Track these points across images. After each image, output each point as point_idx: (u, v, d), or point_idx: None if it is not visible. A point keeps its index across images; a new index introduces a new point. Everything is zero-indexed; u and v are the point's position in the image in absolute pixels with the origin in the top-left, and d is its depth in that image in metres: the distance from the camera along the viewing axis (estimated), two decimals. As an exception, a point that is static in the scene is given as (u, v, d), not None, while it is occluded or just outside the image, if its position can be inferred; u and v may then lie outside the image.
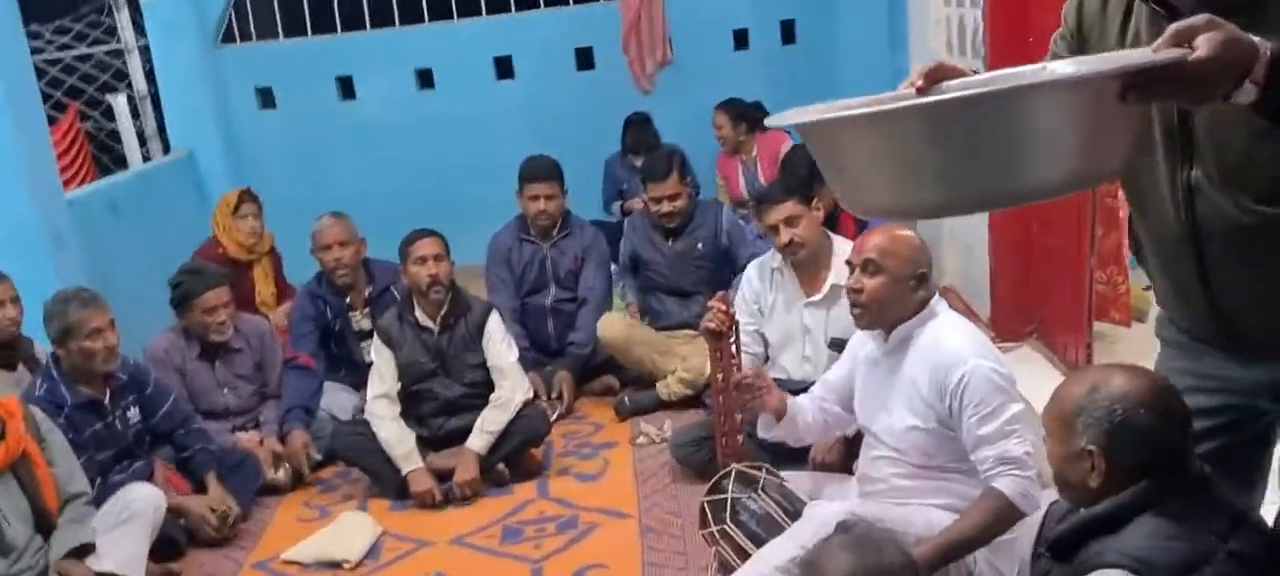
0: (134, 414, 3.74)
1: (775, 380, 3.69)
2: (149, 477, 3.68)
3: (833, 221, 3.86)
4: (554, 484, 3.90)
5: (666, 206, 4.48)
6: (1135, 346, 3.59)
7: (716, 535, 3.00)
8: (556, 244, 4.71)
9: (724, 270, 4.52)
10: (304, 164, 6.66)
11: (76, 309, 3.51)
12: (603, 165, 6.30)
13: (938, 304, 2.77)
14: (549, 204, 4.64)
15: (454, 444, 3.94)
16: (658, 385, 4.42)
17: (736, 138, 5.90)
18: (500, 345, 3.97)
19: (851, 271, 2.79)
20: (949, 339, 2.70)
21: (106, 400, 3.64)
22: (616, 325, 4.44)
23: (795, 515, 2.87)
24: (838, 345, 3.63)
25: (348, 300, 4.50)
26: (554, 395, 4.50)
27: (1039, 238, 3.76)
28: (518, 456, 3.94)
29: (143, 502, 3.33)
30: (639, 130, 6.05)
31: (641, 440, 4.12)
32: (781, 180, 3.82)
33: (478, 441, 3.84)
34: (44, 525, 3.13)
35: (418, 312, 3.96)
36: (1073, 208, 3.45)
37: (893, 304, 2.74)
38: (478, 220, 4.98)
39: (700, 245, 4.55)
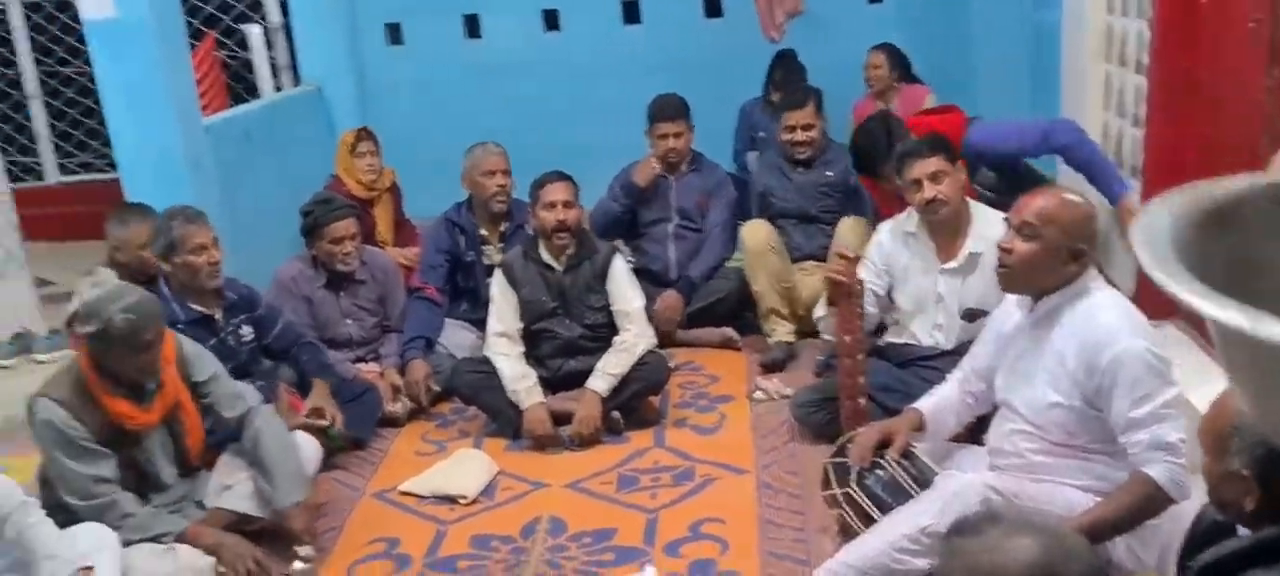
0: (247, 332, 3.81)
1: (904, 345, 3.62)
2: (270, 399, 3.76)
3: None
4: (671, 434, 3.86)
5: (800, 136, 4.55)
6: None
7: (840, 498, 2.93)
8: (682, 178, 4.69)
9: (849, 209, 4.50)
10: (428, 101, 6.71)
11: (180, 225, 3.58)
12: (736, 112, 6.20)
13: (1092, 278, 2.63)
14: (677, 141, 4.63)
15: (572, 386, 3.94)
16: (766, 328, 4.41)
17: (889, 81, 5.73)
18: (626, 288, 3.95)
19: (1007, 228, 2.66)
20: (1102, 315, 2.56)
21: (218, 316, 3.71)
22: (760, 232, 4.36)
23: (924, 483, 2.79)
24: (971, 315, 3.51)
25: (483, 232, 4.50)
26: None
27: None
28: (635, 404, 3.90)
29: (309, 451, 3.44)
30: (788, 66, 5.90)
31: (758, 396, 4.05)
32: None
33: (600, 383, 3.81)
34: (186, 468, 3.22)
35: (542, 251, 3.95)
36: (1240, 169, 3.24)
37: (1040, 273, 2.61)
38: (598, 165, 4.93)
39: (829, 173, 4.57)
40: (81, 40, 7.10)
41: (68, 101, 7.47)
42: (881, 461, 2.89)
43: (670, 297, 4.54)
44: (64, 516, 2.88)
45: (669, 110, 4.65)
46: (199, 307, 3.64)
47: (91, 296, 2.92)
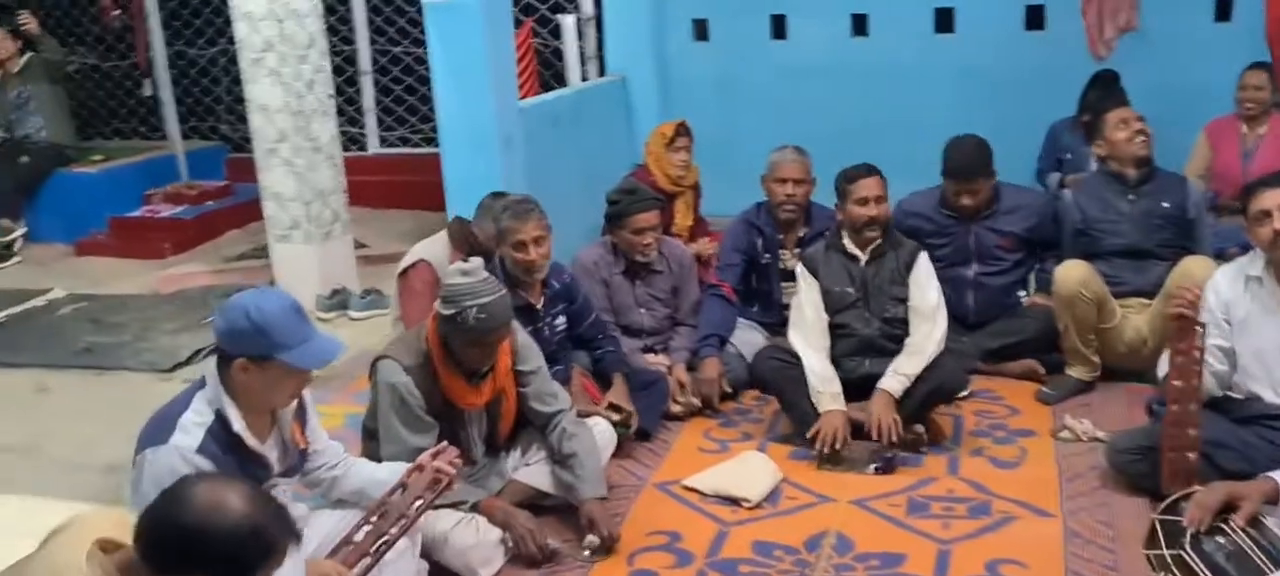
0: (561, 321, 3.90)
1: (1245, 400, 3.24)
2: (566, 383, 3.84)
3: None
4: (966, 463, 3.64)
5: (1138, 140, 4.17)
6: None
7: (1169, 559, 2.65)
8: (982, 222, 4.36)
9: (1184, 244, 4.10)
10: (729, 100, 6.71)
11: (509, 218, 3.69)
12: (1046, 131, 5.86)
13: None
14: (986, 186, 4.30)
15: (865, 393, 3.77)
16: (1070, 368, 4.12)
17: (1264, 105, 5.22)
18: (927, 285, 3.81)
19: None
20: None
21: (539, 306, 3.81)
22: (1073, 276, 4.01)
23: (1276, 559, 2.47)
24: (1329, 370, 3.11)
25: (781, 236, 4.43)
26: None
27: None
28: (925, 413, 3.74)
29: (605, 439, 3.51)
30: (1106, 88, 5.48)
31: (1065, 435, 3.76)
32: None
33: (893, 382, 3.69)
34: (491, 446, 3.35)
35: (846, 241, 3.88)
36: None
37: None
38: (899, 178, 4.74)
39: (1165, 204, 4.14)
40: (411, 23, 7.69)
41: (393, 78, 8.02)
42: (1224, 527, 2.59)
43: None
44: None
45: (974, 168, 4.29)
46: (523, 295, 3.75)
47: (458, 283, 3.06)
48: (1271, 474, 2.71)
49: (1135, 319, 4.07)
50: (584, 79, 6.67)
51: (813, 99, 6.43)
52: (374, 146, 8.23)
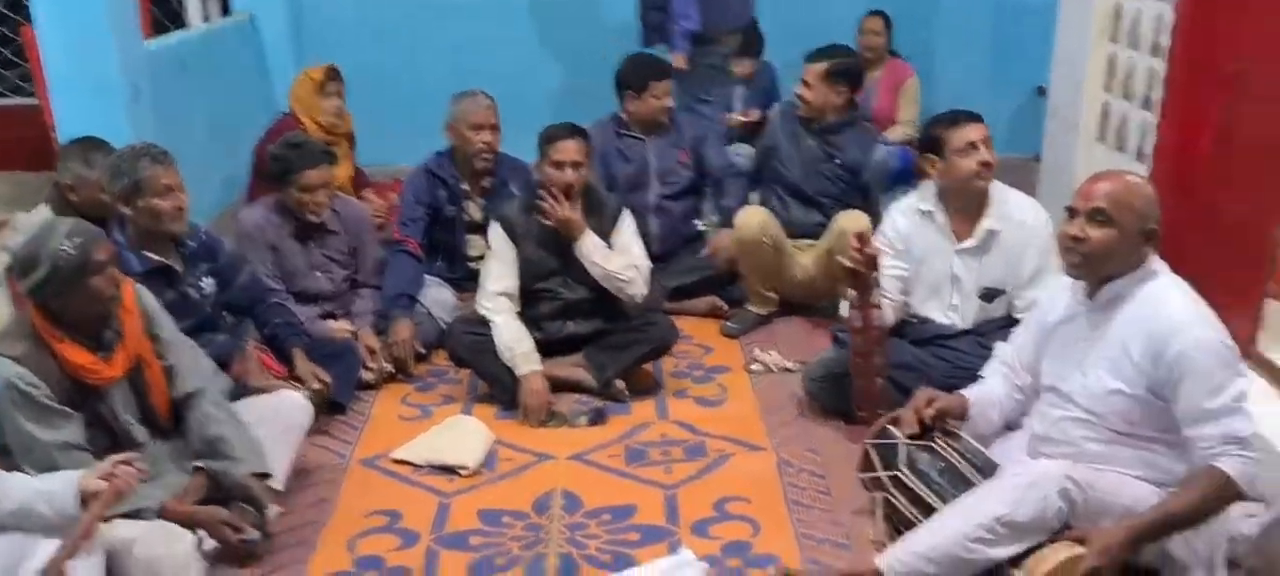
0: (208, 283, 3.48)
1: (920, 323, 3.53)
2: (234, 354, 3.46)
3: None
4: (673, 405, 3.70)
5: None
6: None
7: (886, 481, 2.81)
8: (657, 139, 4.48)
9: (856, 197, 4.32)
10: (373, 40, 6.28)
11: (148, 165, 3.19)
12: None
13: (1156, 264, 2.56)
14: (670, 100, 4.43)
15: (568, 351, 3.73)
16: (749, 303, 4.33)
17: (883, 51, 5.63)
18: (633, 245, 3.77)
19: (1072, 216, 2.57)
20: (1171, 302, 2.50)
21: (178, 266, 3.38)
22: (753, 221, 4.16)
23: (981, 469, 2.69)
24: (989, 295, 3.44)
25: (465, 187, 4.22)
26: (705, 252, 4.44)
27: (1208, 193, 3.55)
28: (631, 371, 3.73)
29: (303, 415, 3.16)
30: (746, 33, 5.73)
31: (756, 367, 3.93)
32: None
33: (595, 242, 3.67)
34: (154, 427, 2.89)
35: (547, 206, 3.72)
36: (1265, 167, 3.24)
37: (1115, 259, 2.53)
38: (567, 113, 4.68)
39: (839, 161, 4.33)
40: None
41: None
42: (933, 445, 2.78)
43: (719, 237, 4.35)
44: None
45: (666, 71, 4.45)
46: (157, 257, 3.27)
47: (27, 241, 2.60)
48: (963, 392, 2.95)
49: (803, 259, 4.28)
50: (206, 21, 6.01)
51: (461, 38, 6.20)
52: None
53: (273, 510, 2.83)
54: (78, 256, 2.58)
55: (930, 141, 3.40)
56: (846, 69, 4.29)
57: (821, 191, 4.32)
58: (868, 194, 4.35)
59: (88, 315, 2.68)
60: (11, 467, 2.66)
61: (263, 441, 2.93)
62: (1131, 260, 2.53)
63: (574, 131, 3.69)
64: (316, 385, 3.37)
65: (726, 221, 4.37)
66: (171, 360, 2.91)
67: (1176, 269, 2.60)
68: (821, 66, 4.25)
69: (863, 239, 3.24)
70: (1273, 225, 3.22)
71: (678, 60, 5.21)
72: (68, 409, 2.66)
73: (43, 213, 2.60)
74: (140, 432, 2.86)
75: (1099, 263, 2.54)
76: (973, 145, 3.31)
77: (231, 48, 5.86)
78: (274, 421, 3.05)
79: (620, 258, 3.69)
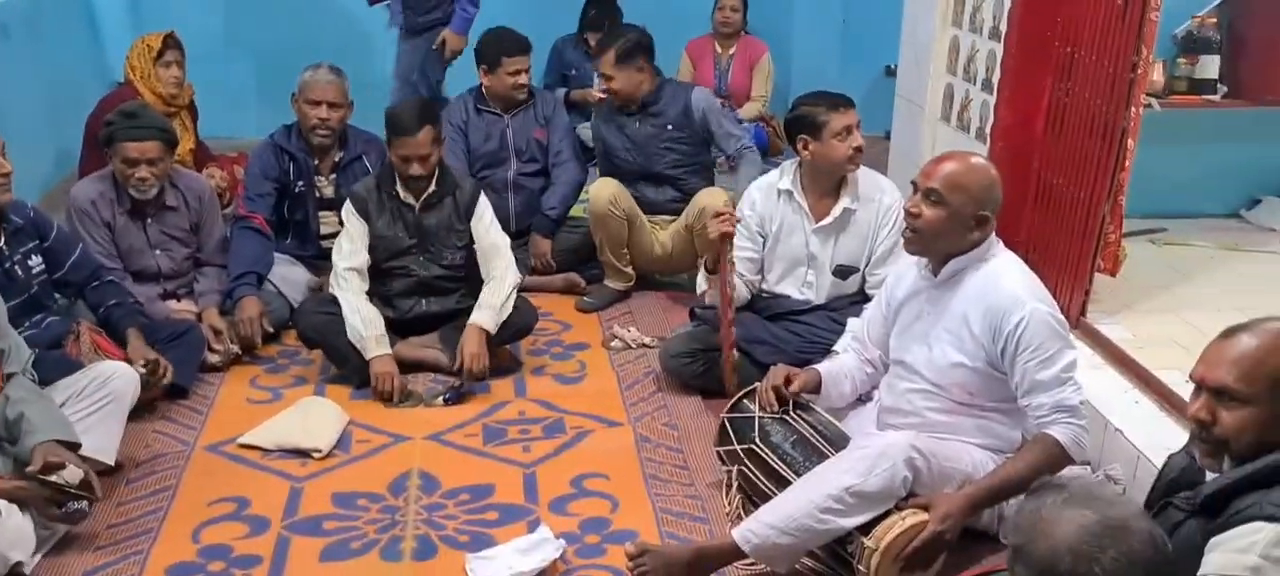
0: (36, 261, 3.31)
1: (774, 298, 3.59)
2: (67, 336, 3.30)
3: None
4: (532, 384, 3.68)
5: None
6: (1118, 298, 3.62)
7: (741, 453, 2.87)
8: (517, 115, 4.44)
9: (702, 152, 4.37)
10: (217, 3, 6.02)
11: None
12: (549, 47, 5.96)
13: (995, 244, 2.67)
14: (526, 76, 4.38)
15: (422, 330, 3.68)
16: (607, 278, 4.35)
17: (736, 27, 5.67)
18: (492, 227, 3.71)
19: (914, 190, 2.66)
20: (1006, 280, 2.61)
21: (1, 242, 3.19)
22: (604, 193, 4.17)
23: (832, 440, 2.77)
24: (843, 272, 3.53)
25: (316, 162, 4.09)
26: (531, 265, 4.38)
27: (1042, 171, 3.72)
28: (494, 350, 3.69)
29: (123, 383, 2.99)
30: (603, 7, 5.72)
31: (616, 344, 3.94)
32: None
33: (486, 318, 3.58)
34: None
35: (399, 187, 3.63)
36: (1092, 148, 3.41)
37: (946, 239, 2.62)
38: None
39: (669, 125, 4.32)
40: None
41: None
42: (786, 417, 2.85)
43: (538, 242, 4.36)
44: None
45: (520, 46, 4.41)
46: None
47: None
48: (816, 366, 3.02)
49: (661, 234, 4.32)
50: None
51: (308, 3, 6.00)
52: None
53: (72, 472, 2.65)
54: None
55: (803, 122, 3.41)
56: (635, 44, 4.31)
57: (668, 164, 4.34)
58: (709, 138, 4.39)
59: None
60: None
61: (83, 414, 2.84)
62: (965, 242, 2.62)
63: (421, 119, 3.57)
64: (142, 367, 3.21)
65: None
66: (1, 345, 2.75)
67: (1012, 243, 2.72)
68: (611, 54, 4.28)
69: (723, 213, 3.29)
70: (1100, 202, 3.39)
71: None
72: None
73: None
74: None
75: (929, 240, 2.63)
76: (848, 130, 3.37)
77: (60, 13, 5.54)
78: (94, 393, 2.93)
79: (498, 288, 3.63)
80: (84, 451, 2.74)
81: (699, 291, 3.56)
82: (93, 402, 2.90)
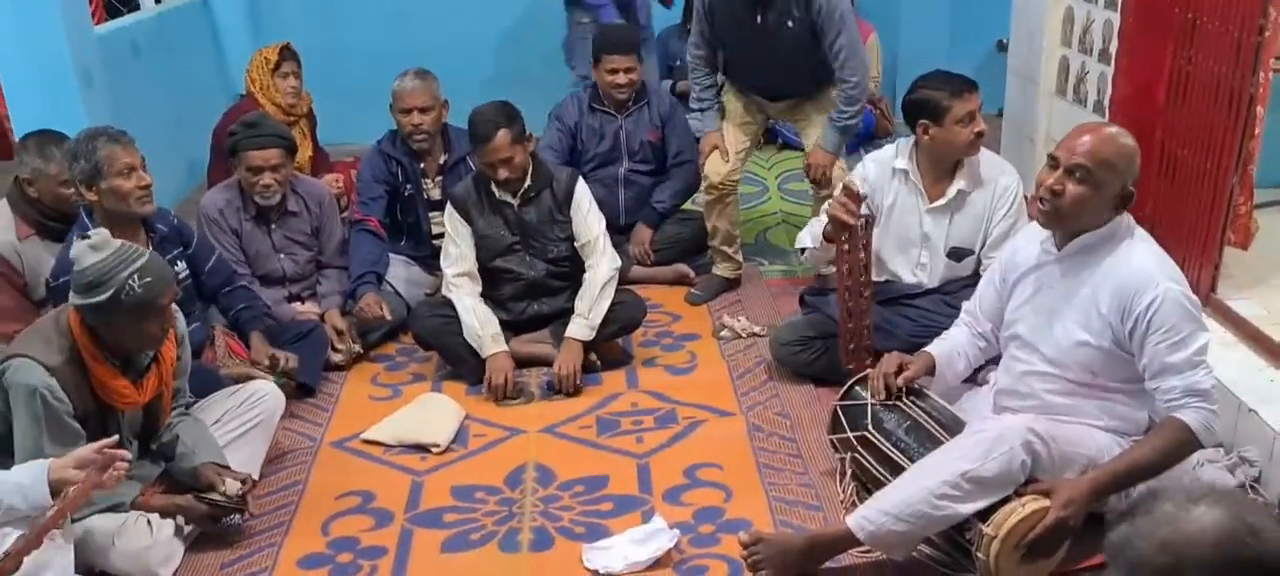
0: (181, 268, 3.45)
1: (886, 282, 3.54)
2: (206, 341, 3.45)
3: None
4: (643, 375, 3.70)
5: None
6: (1250, 272, 3.47)
7: (854, 441, 2.85)
8: (631, 115, 4.46)
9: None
10: (327, 16, 6.24)
11: (105, 144, 3.14)
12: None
13: (1126, 219, 2.57)
14: (629, 76, 4.37)
15: (537, 326, 3.73)
16: (715, 267, 4.34)
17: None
18: (589, 216, 3.72)
19: (1054, 167, 2.54)
20: (1138, 257, 2.51)
21: (149, 251, 3.34)
22: (723, 168, 4.20)
23: (947, 426, 2.72)
24: (957, 254, 3.45)
25: (422, 165, 4.19)
26: (632, 254, 4.41)
27: (1164, 143, 3.58)
28: (603, 344, 3.73)
29: (273, 403, 3.13)
30: None
31: (725, 333, 3.94)
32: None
33: (581, 330, 3.61)
34: (145, 443, 2.89)
35: (493, 187, 3.67)
36: (1218, 117, 3.27)
37: (1089, 215, 2.52)
38: (529, 93, 4.64)
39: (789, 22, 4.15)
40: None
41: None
42: (899, 404, 2.81)
43: (641, 230, 4.39)
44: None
45: (620, 43, 4.40)
46: (128, 242, 3.23)
47: (95, 261, 2.55)
48: (928, 348, 2.97)
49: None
50: (158, 2, 5.92)
51: (418, 9, 6.14)
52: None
53: (232, 485, 2.79)
54: (143, 296, 2.54)
55: (924, 106, 3.32)
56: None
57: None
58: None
59: (129, 347, 2.67)
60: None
61: (233, 434, 2.97)
62: (1103, 217, 2.54)
63: (500, 123, 3.54)
64: (266, 364, 3.34)
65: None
66: (180, 383, 2.92)
67: (1136, 218, 2.61)
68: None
69: (850, 192, 3.24)
70: (1228, 173, 3.25)
71: None
72: (80, 427, 2.62)
73: (99, 234, 2.57)
74: (133, 451, 2.83)
75: (1071, 218, 2.53)
76: (971, 116, 3.29)
77: (185, 30, 5.79)
78: (244, 414, 3.05)
79: (595, 296, 3.64)
80: (237, 467, 2.87)
81: (797, 244, 3.53)
82: (243, 422, 3.04)
